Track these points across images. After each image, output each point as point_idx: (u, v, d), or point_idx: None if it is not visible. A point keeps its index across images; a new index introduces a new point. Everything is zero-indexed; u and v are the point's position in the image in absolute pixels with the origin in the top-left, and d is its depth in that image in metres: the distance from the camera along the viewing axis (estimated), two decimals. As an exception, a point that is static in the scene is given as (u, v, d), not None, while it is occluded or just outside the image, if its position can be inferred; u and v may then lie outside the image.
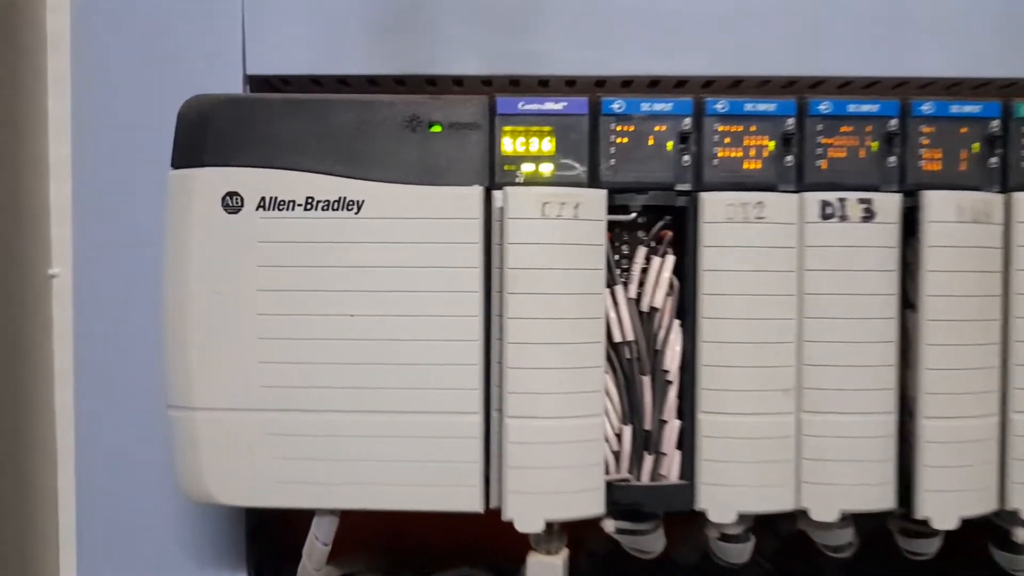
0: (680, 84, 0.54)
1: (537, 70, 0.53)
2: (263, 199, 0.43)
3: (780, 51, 0.51)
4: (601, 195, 0.43)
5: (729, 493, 0.44)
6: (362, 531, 0.63)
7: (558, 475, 0.42)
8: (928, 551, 0.49)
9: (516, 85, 0.55)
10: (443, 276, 0.43)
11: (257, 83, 0.54)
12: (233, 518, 0.57)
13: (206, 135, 0.44)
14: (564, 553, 0.46)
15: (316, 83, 0.55)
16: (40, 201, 0.60)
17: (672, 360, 0.44)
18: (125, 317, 0.54)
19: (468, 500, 0.43)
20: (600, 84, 0.55)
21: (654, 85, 0.55)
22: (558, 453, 0.42)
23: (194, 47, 0.53)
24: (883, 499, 0.44)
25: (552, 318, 0.42)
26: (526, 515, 0.42)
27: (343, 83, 0.55)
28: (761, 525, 0.58)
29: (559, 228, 0.42)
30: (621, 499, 0.44)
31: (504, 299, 0.42)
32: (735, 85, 0.54)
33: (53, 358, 0.61)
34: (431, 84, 0.55)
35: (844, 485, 0.44)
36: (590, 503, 0.43)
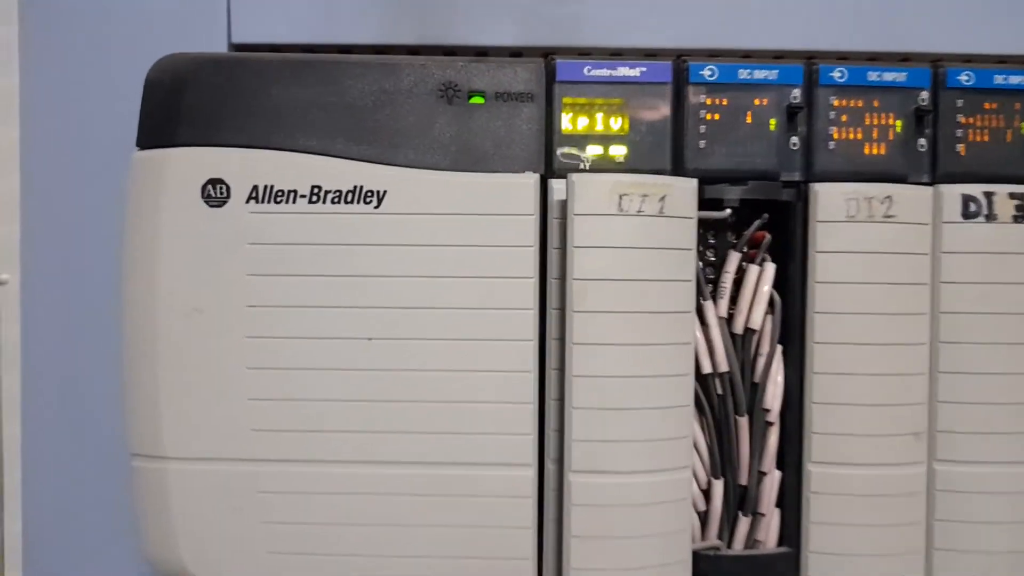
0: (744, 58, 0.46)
1: (579, 40, 0.44)
2: (255, 188, 0.34)
3: (884, 21, 0.42)
4: (691, 185, 0.34)
5: (844, 564, 0.35)
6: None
7: (635, 546, 0.33)
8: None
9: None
10: (487, 289, 0.33)
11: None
12: None
13: (182, 105, 0.34)
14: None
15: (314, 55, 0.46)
16: (-18, 194, 0.51)
17: (774, 396, 0.35)
18: (84, 335, 0.45)
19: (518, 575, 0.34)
20: (650, 57, 0.46)
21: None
22: (636, 518, 0.33)
23: (167, 10, 0.43)
24: (1035, 570, 0.36)
25: (630, 344, 0.33)
26: (595, 598, 0.33)
27: (346, 55, 0.46)
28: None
29: (640, 227, 0.33)
30: (710, 571, 0.35)
31: (568, 318, 0.33)
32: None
33: (-1, 381, 0.51)
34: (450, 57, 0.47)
35: (987, 553, 0.35)
36: (674, 580, 0.34)
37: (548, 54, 0.47)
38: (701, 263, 0.37)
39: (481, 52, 0.46)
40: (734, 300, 0.36)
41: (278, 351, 0.34)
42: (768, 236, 0.36)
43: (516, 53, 0.46)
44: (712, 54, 0.45)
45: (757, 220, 0.36)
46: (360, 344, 0.34)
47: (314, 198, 0.34)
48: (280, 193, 0.34)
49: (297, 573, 0.34)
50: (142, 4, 0.44)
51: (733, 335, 0.36)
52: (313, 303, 0.34)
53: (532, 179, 0.34)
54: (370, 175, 0.34)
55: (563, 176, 0.34)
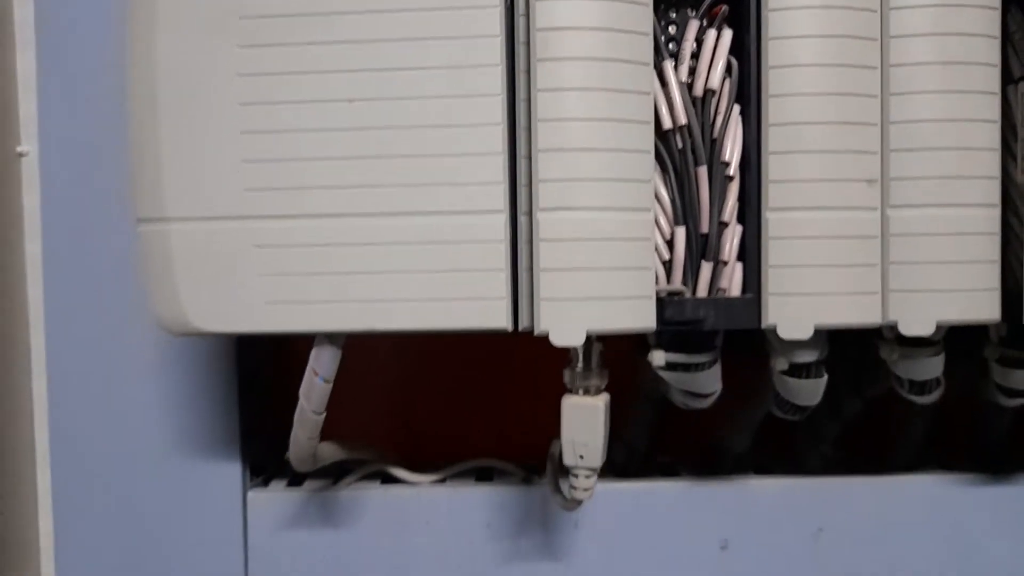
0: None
1: None
2: (243, -37, 0.36)
3: None
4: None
5: (803, 304, 0.37)
6: (372, 425, 0.57)
7: (601, 278, 0.35)
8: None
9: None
10: (456, 48, 0.36)
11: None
12: (226, 411, 0.51)
13: None
14: (605, 397, 0.40)
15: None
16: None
17: (732, 151, 0.37)
18: (101, 200, 0.49)
19: (493, 315, 0.36)
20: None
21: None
22: (600, 252, 0.35)
23: None
24: (987, 309, 0.37)
25: (592, 88, 0.35)
26: (564, 325, 0.35)
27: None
28: (822, 411, 0.52)
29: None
30: (675, 315, 0.37)
31: (533, 69, 0.36)
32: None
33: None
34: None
35: (941, 291, 0.37)
36: (639, 314, 0.36)
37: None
38: (663, 38, 0.39)
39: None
40: (692, 72, 0.38)
41: (268, 115, 0.36)
42: (725, 8, 0.38)
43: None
44: None
45: (713, -10, 0.38)
46: (342, 106, 0.36)
47: (295, -31, 0.36)
48: (264, -34, 0.36)
49: (292, 321, 0.37)
50: None
51: (693, 99, 0.38)
52: (298, 70, 0.36)
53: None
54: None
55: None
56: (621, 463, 0.53)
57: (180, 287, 0.37)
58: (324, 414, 0.39)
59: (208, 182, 0.37)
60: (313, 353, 0.38)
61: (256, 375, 0.54)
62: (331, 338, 0.38)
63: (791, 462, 0.54)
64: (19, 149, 0.55)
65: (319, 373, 0.38)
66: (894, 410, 0.54)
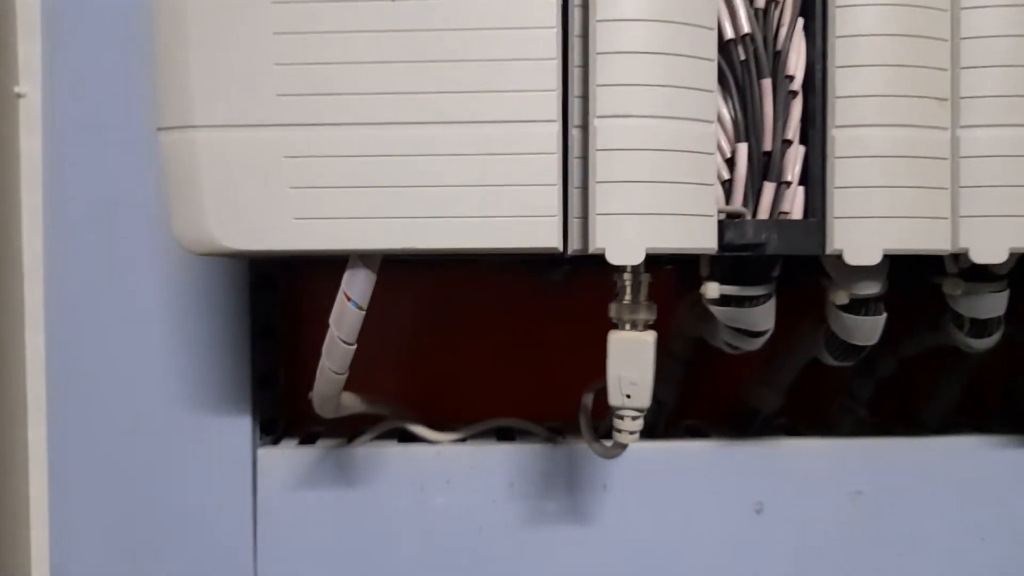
0: None
1: None
2: None
3: None
4: None
5: (870, 228, 0.35)
6: (391, 384, 0.55)
7: (660, 192, 0.33)
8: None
9: None
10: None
11: None
12: (238, 362, 0.49)
13: None
14: (653, 333, 0.37)
15: None
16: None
17: (796, 64, 0.35)
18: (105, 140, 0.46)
19: (542, 234, 0.34)
20: None
21: None
22: (660, 163, 0.33)
23: None
24: (1061, 236, 0.36)
25: (651, -11, 0.33)
26: (621, 243, 0.33)
27: None
28: (855, 370, 0.51)
29: None
30: (735, 239, 0.35)
31: (590, -32, 0.33)
32: None
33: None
34: None
35: (1014, 217, 0.35)
36: (700, 234, 0.34)
37: None
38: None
39: None
40: (754, -16, 0.36)
41: (305, 17, 0.34)
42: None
43: None
44: None
45: (776, -102, 0.36)
46: (385, 6, 0.34)
47: None
48: None
49: (325, 239, 0.34)
50: None
51: (755, 11, 0.36)
52: (337, -35, 0.34)
53: None
54: None
55: None
56: (650, 423, 0.51)
57: (205, 201, 0.34)
58: (355, 345, 0.36)
59: (238, 87, 0.34)
60: (346, 276, 0.35)
61: (269, 329, 0.52)
62: (365, 259, 0.35)
63: (822, 424, 0.52)
64: (17, 89, 0.52)
65: (352, 298, 0.35)
66: (927, 371, 0.52)
